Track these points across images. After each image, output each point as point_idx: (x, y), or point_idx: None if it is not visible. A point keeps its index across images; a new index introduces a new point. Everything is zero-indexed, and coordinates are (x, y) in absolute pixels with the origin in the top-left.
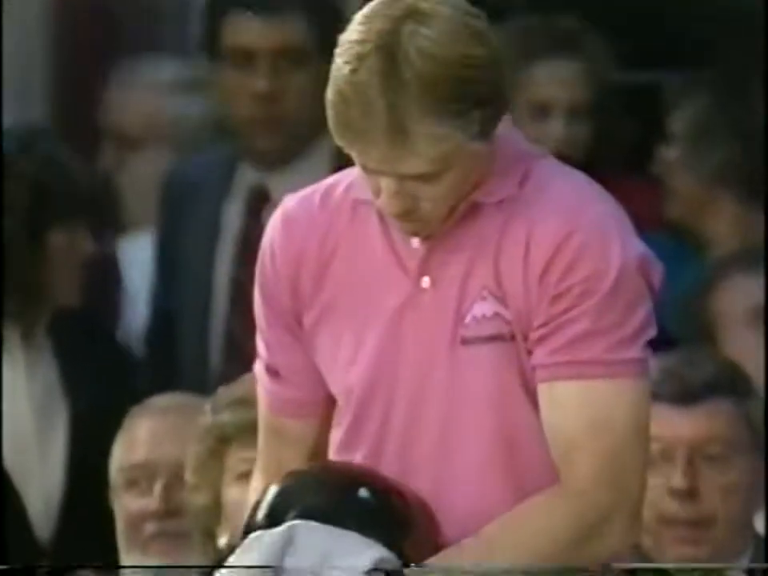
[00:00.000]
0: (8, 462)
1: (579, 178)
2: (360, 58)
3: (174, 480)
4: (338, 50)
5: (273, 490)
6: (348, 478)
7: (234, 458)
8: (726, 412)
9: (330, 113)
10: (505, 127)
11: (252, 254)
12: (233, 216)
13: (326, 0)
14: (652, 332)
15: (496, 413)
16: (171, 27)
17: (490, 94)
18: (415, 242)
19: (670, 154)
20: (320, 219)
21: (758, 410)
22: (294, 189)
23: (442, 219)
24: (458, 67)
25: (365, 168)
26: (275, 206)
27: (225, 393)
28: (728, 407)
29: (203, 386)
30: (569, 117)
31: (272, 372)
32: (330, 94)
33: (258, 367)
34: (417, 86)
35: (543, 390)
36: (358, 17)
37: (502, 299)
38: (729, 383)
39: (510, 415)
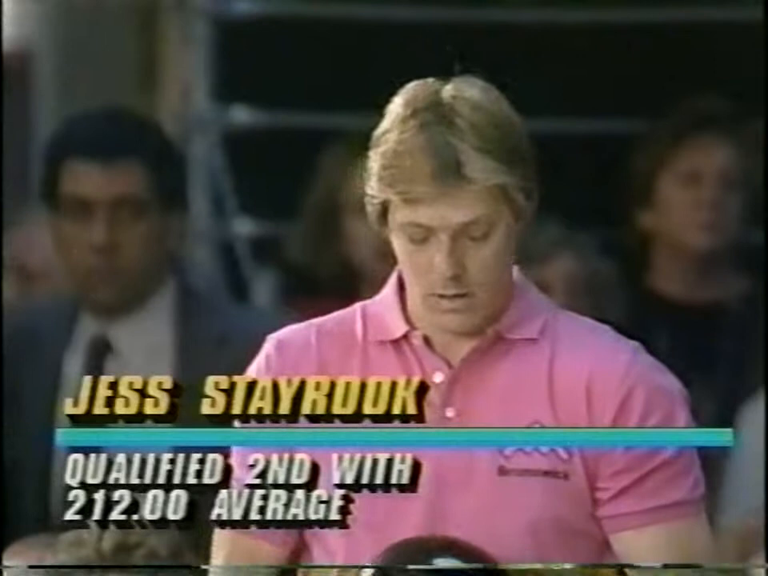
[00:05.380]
0: None
1: (602, 326)
2: (413, 115)
3: None
4: (381, 129)
5: None
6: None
7: None
8: None
9: (384, 174)
10: (521, 278)
11: None
12: (74, 367)
13: (167, 149)
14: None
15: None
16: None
17: (528, 160)
18: (438, 376)
19: None
20: (316, 349)
21: None
22: (137, 339)
23: (485, 309)
24: (501, 118)
25: (416, 227)
26: (118, 355)
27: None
28: None
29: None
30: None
31: None
32: (378, 160)
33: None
34: (467, 128)
35: (628, 537)
36: (392, 110)
37: None
38: None
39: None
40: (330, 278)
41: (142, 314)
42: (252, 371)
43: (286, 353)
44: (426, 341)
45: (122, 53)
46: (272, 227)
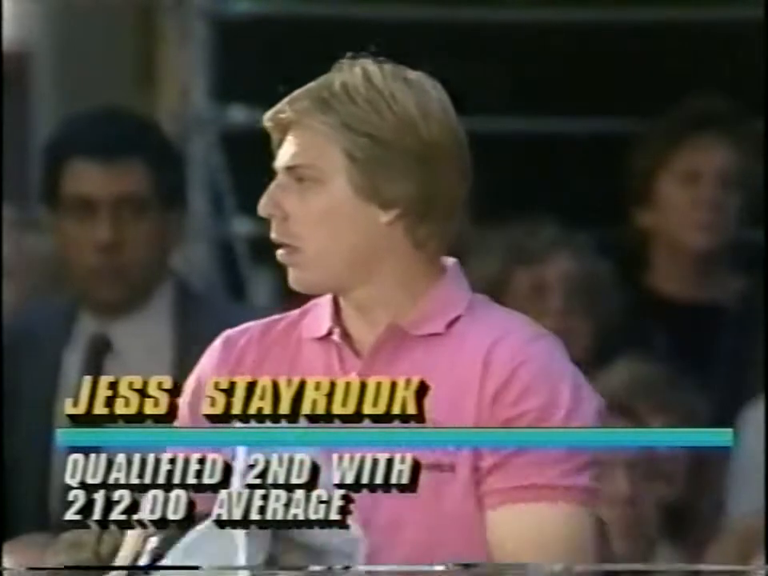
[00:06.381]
0: None
1: (520, 315)
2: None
3: None
4: None
5: None
6: None
7: None
8: None
9: None
10: (453, 273)
11: None
12: (74, 365)
13: (168, 148)
14: (599, 468)
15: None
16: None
17: (405, 153)
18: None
19: None
20: (257, 346)
21: None
22: (136, 338)
23: (317, 269)
24: (377, 95)
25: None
26: (118, 354)
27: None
28: None
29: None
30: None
31: None
32: None
33: None
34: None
35: (493, 515)
36: None
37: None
38: None
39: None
40: None
41: (141, 312)
42: (198, 365)
43: (230, 348)
44: (347, 337)
45: (120, 52)
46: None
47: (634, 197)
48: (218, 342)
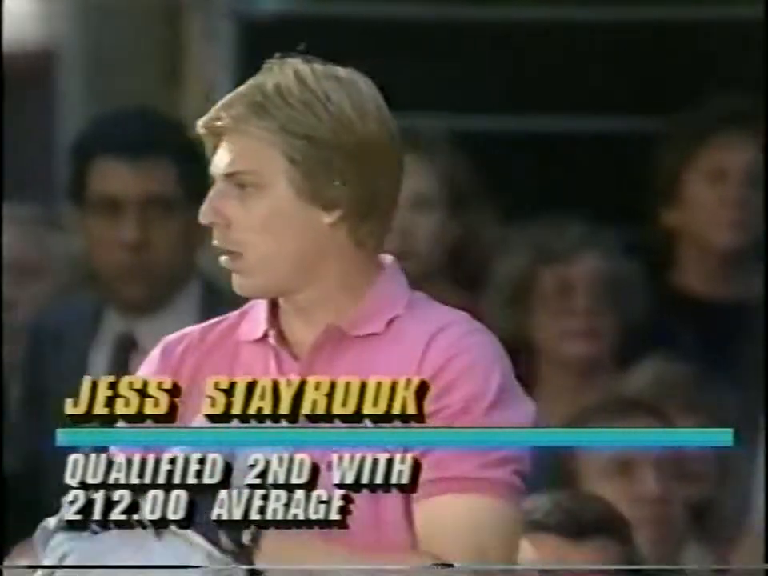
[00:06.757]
0: None
1: (458, 311)
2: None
3: None
4: None
5: None
6: None
7: None
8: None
9: None
10: (392, 272)
11: None
12: (100, 364)
13: (193, 147)
14: (521, 466)
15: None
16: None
17: (336, 148)
18: (292, 375)
19: None
20: (196, 351)
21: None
22: (163, 336)
23: (262, 274)
24: (308, 96)
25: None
26: (143, 353)
27: None
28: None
29: None
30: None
31: None
32: None
33: None
34: (271, 89)
35: (419, 508)
36: None
37: None
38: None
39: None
40: None
41: (167, 311)
42: (139, 372)
43: (168, 357)
44: (283, 339)
45: (146, 52)
46: None
47: (660, 196)
48: (156, 351)
